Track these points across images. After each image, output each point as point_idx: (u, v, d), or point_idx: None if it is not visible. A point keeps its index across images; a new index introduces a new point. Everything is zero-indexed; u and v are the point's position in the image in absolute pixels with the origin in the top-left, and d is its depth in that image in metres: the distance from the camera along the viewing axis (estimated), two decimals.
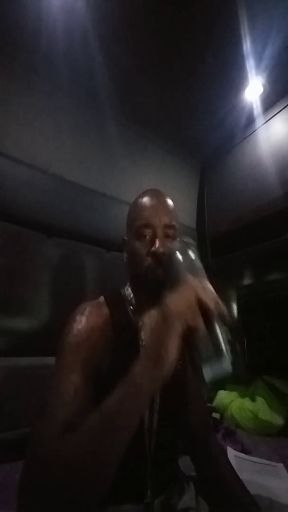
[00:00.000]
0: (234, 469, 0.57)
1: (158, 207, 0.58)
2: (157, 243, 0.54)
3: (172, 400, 0.55)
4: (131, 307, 0.58)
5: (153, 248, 0.53)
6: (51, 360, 0.48)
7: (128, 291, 0.61)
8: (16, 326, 0.92)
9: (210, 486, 0.56)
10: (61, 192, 1.07)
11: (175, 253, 0.49)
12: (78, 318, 0.51)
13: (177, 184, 1.55)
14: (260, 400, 1.21)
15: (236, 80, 1.10)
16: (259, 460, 0.94)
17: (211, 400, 1.36)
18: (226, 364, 0.35)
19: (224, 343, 0.36)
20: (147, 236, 0.55)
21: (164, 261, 0.52)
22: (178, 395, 0.58)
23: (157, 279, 0.52)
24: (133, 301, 0.58)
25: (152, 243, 0.54)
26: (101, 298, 0.59)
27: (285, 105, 1.16)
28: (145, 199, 0.59)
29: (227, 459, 0.61)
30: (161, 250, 0.53)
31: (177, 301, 0.37)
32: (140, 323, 0.55)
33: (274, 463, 0.92)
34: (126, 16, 0.89)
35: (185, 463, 0.62)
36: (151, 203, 0.58)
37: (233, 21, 0.88)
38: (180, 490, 0.57)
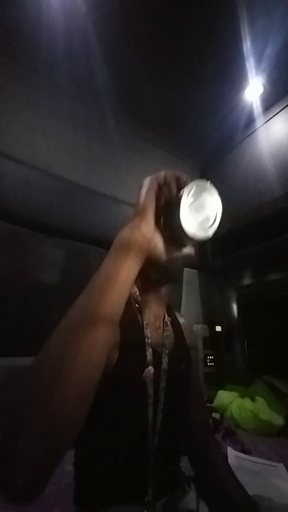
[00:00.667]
0: (232, 471, 0.58)
1: None
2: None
3: (176, 399, 0.55)
4: (137, 305, 0.57)
5: None
6: None
7: (134, 289, 0.59)
8: (16, 326, 0.92)
9: (209, 487, 0.57)
10: (61, 192, 1.07)
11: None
12: None
13: None
14: (260, 400, 1.21)
15: (236, 80, 1.10)
16: (259, 460, 0.94)
17: (211, 400, 1.36)
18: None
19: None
20: None
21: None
22: (182, 395, 0.58)
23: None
24: (139, 299, 0.58)
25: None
26: None
27: (285, 105, 1.16)
28: None
29: (226, 460, 0.62)
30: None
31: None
32: (146, 321, 0.55)
33: (274, 463, 0.92)
34: (126, 16, 0.89)
35: (186, 464, 0.62)
36: None
37: (233, 21, 0.88)
38: (181, 491, 0.57)
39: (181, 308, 1.49)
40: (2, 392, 0.82)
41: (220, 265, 1.50)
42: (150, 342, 0.53)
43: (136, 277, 0.58)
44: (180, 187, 0.41)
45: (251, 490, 0.53)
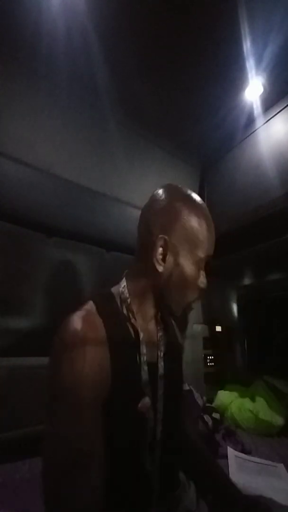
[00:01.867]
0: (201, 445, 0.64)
1: (213, 238, 0.56)
2: (203, 277, 0.55)
3: (174, 399, 0.53)
4: (129, 314, 0.50)
5: (202, 283, 0.54)
6: None
7: (125, 294, 0.52)
8: (16, 326, 0.92)
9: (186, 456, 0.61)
10: (61, 192, 1.07)
11: None
12: (70, 349, 0.42)
13: (177, 184, 1.55)
14: (260, 400, 1.21)
15: (236, 80, 1.10)
16: (259, 460, 0.94)
17: (211, 400, 1.36)
18: None
19: None
20: (202, 266, 0.55)
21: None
22: (178, 391, 0.57)
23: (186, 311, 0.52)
24: (129, 303, 0.51)
25: (204, 275, 0.55)
26: (91, 305, 0.49)
27: (285, 105, 1.16)
28: (208, 223, 0.55)
29: (199, 435, 0.68)
30: (205, 285, 0.55)
31: None
32: (141, 334, 0.49)
33: (275, 464, 0.92)
34: (126, 16, 0.89)
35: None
36: (211, 232, 0.55)
37: (233, 21, 0.87)
38: (181, 491, 0.57)
39: None
40: (2, 392, 0.82)
41: (220, 265, 1.50)
42: (145, 359, 0.48)
43: (131, 273, 0.57)
44: None
45: (251, 490, 0.53)
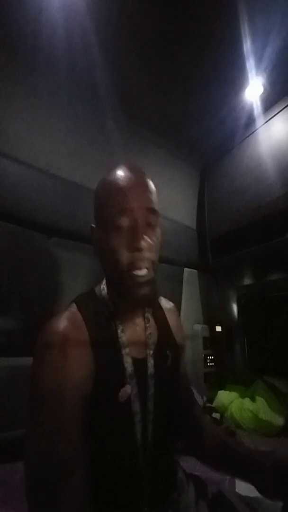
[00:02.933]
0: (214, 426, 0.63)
1: (138, 186, 0.46)
2: (139, 236, 0.44)
3: (167, 400, 0.50)
4: (109, 313, 0.49)
5: (135, 244, 0.43)
6: None
7: (104, 291, 0.51)
8: (16, 326, 0.92)
9: (216, 452, 0.58)
10: (62, 192, 1.07)
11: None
12: (50, 350, 0.41)
13: (177, 184, 1.55)
14: (260, 400, 1.21)
15: (236, 80, 1.10)
16: None
17: (211, 400, 1.36)
18: None
19: None
20: (125, 226, 0.45)
21: (147, 264, 0.44)
22: (173, 390, 0.53)
23: (138, 286, 0.44)
24: (110, 303, 0.50)
25: (133, 234, 0.44)
26: (73, 307, 0.49)
27: (285, 105, 1.16)
28: (119, 176, 0.46)
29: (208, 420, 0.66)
30: (144, 245, 0.44)
31: None
32: (122, 335, 0.48)
33: None
34: (126, 16, 0.89)
35: (185, 464, 0.62)
36: (128, 181, 0.46)
37: (233, 21, 0.88)
38: (179, 496, 0.54)
39: (181, 308, 1.49)
40: (2, 392, 0.82)
41: (220, 265, 1.51)
42: (128, 352, 0.47)
43: (106, 280, 0.54)
44: None
45: (257, 494, 0.53)
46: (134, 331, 0.51)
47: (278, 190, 1.14)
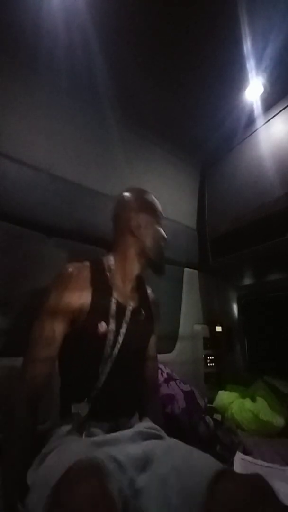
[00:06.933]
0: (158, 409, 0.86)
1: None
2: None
3: (134, 343, 0.70)
4: (109, 273, 0.73)
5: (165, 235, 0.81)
6: None
7: (111, 260, 0.76)
8: (16, 326, 0.92)
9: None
10: (62, 192, 1.07)
11: None
12: (60, 279, 0.66)
13: (177, 184, 1.55)
14: (260, 400, 1.21)
15: (236, 80, 1.10)
16: (265, 463, 0.92)
17: (211, 400, 1.36)
18: None
19: None
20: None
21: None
22: (140, 343, 0.75)
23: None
24: (112, 268, 0.74)
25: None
26: (87, 263, 0.72)
27: (285, 105, 1.16)
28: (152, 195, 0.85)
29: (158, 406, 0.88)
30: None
31: None
32: (114, 283, 0.72)
33: (282, 467, 0.89)
34: (126, 16, 0.89)
35: None
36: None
37: (233, 21, 0.88)
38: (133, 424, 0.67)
39: (181, 308, 1.49)
40: (1, 392, 0.82)
41: (220, 265, 1.50)
42: (116, 296, 0.70)
43: (115, 249, 0.79)
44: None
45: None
46: (123, 287, 0.74)
47: (278, 190, 1.14)
